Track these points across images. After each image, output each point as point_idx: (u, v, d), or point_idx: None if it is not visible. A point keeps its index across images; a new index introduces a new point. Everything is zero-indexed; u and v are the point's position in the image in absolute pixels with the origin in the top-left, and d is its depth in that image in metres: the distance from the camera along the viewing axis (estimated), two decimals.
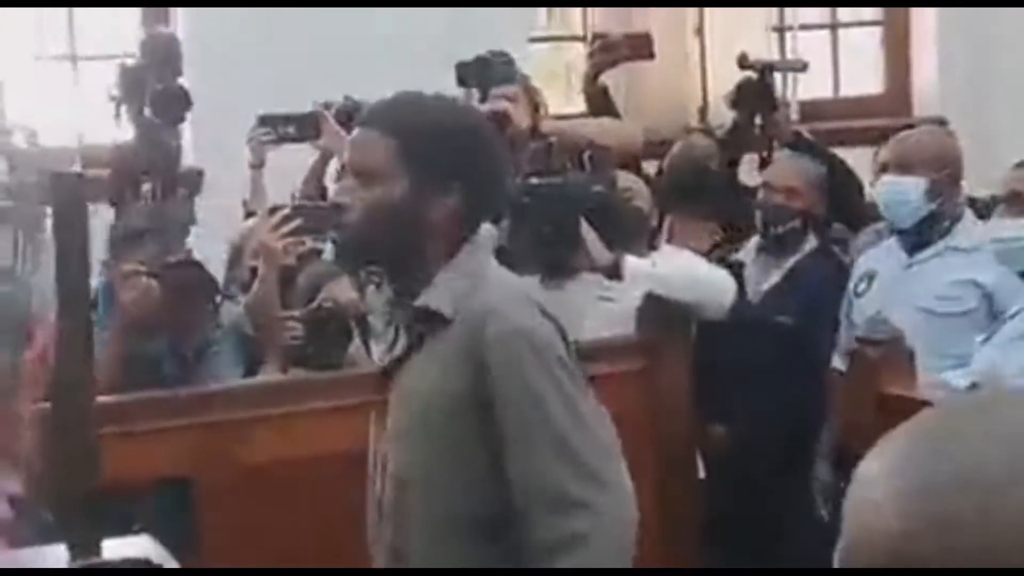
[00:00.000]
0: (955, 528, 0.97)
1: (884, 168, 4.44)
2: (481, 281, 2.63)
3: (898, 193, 4.34)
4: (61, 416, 2.23)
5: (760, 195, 4.82)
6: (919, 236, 4.37)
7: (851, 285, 4.54)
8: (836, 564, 1.05)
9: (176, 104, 4.89)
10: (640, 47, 5.51)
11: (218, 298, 4.35)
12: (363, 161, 2.69)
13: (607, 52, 5.53)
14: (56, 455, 2.31)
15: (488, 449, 2.57)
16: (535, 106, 4.83)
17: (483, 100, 4.67)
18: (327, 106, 5.01)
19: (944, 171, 4.35)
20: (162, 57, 5.10)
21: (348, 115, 4.88)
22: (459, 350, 2.58)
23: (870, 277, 4.49)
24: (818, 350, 4.54)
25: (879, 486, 1.02)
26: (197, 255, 4.52)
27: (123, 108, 5.00)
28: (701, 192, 5.14)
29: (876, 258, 4.55)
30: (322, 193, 4.91)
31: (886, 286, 4.40)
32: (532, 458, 2.54)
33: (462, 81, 4.80)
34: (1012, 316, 3.85)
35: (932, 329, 4.16)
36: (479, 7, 6.01)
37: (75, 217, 2.12)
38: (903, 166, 4.36)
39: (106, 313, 4.26)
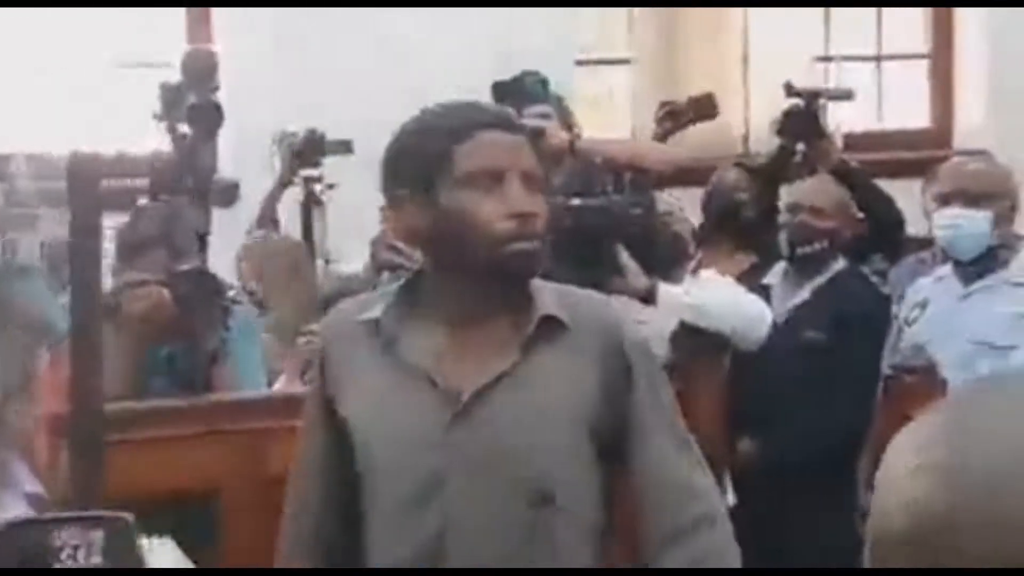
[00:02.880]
0: (972, 507, 0.97)
1: (946, 200, 4.37)
2: (565, 290, 2.64)
3: (965, 226, 4.29)
4: (74, 425, 2.23)
5: (785, 216, 4.78)
6: (977, 268, 4.32)
7: (902, 314, 4.50)
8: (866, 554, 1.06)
9: (209, 118, 4.90)
10: (705, 109, 5.52)
11: (227, 304, 4.34)
12: (534, 167, 2.56)
13: (674, 118, 5.53)
14: (69, 463, 2.30)
15: (615, 455, 2.58)
16: (568, 126, 4.85)
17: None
18: (283, 137, 5.08)
19: (1006, 202, 4.31)
20: (200, 73, 5.11)
21: (315, 148, 4.91)
22: (592, 359, 2.55)
23: (923, 306, 4.44)
24: (854, 368, 4.49)
25: (903, 466, 1.02)
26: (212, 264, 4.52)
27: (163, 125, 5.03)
28: (730, 224, 5.17)
29: (929, 288, 4.50)
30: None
31: (940, 317, 4.35)
32: (665, 453, 2.58)
33: (498, 100, 4.81)
34: None
35: (985, 362, 4.09)
36: (525, 27, 6.03)
37: (91, 228, 2.13)
38: (970, 198, 4.30)
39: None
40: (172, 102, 4.91)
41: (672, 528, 2.55)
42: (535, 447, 2.52)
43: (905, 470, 1.02)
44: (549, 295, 2.58)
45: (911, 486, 1.00)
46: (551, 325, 2.54)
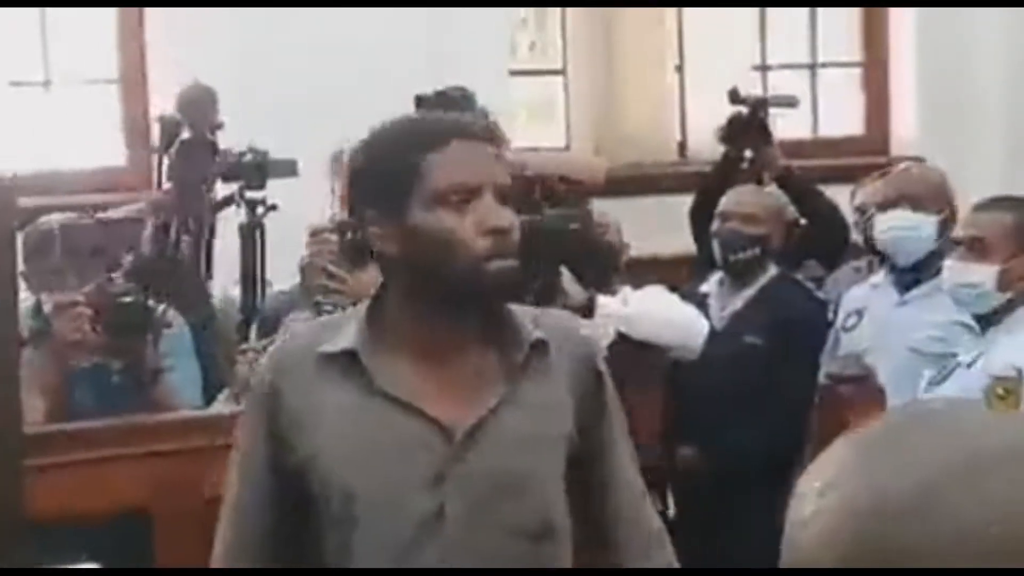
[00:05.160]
0: (869, 550, 0.97)
1: (891, 204, 4.38)
2: (531, 310, 2.52)
3: (910, 229, 4.31)
4: None
5: (716, 224, 4.77)
6: (914, 275, 4.34)
7: (839, 321, 4.50)
8: None
9: (201, 155, 4.89)
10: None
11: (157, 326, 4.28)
12: (506, 179, 2.37)
13: None
14: None
15: (594, 478, 2.52)
16: None
17: None
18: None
19: (947, 210, 4.34)
20: (197, 110, 5.08)
21: (259, 168, 4.84)
22: (568, 380, 2.45)
23: (859, 314, 4.45)
24: (792, 375, 4.48)
25: (807, 503, 1.02)
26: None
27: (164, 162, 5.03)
28: None
29: (865, 295, 4.52)
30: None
31: (876, 324, 4.36)
32: (631, 466, 2.57)
33: None
34: (969, 365, 3.76)
35: (920, 369, 4.08)
36: (461, 36, 6.00)
37: (5, 247, 2.08)
38: (913, 202, 4.32)
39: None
40: (169, 139, 4.92)
41: (652, 532, 2.58)
42: (533, 478, 2.41)
43: (813, 499, 1.01)
44: (526, 317, 2.45)
45: (819, 516, 1.00)
46: (538, 349, 2.41)
